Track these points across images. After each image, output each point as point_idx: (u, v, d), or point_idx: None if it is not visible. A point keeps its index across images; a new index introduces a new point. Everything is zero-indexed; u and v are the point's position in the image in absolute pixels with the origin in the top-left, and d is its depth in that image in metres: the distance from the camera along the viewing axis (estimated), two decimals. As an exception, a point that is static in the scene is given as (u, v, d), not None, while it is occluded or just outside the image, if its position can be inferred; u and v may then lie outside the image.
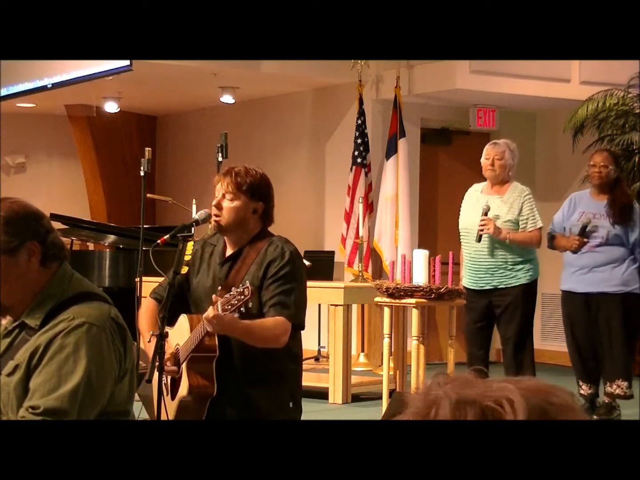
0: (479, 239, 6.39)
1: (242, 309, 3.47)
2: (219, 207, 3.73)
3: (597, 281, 6.55)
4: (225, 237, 3.84)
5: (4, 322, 2.70)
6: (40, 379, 2.50)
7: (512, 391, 1.02)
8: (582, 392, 6.67)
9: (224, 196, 3.73)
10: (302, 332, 3.85)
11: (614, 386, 6.58)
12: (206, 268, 3.84)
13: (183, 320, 3.76)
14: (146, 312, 3.89)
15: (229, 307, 3.44)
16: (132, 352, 2.68)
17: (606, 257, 6.54)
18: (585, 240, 6.56)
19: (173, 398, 3.72)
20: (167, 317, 3.62)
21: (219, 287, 3.67)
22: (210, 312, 3.49)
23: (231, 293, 3.48)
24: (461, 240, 6.65)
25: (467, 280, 6.58)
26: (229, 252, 3.82)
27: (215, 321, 3.47)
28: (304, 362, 9.17)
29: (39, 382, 2.50)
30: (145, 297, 4.07)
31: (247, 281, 3.53)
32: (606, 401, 6.70)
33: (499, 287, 6.45)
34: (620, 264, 6.55)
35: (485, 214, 6.37)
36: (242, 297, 3.43)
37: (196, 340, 3.63)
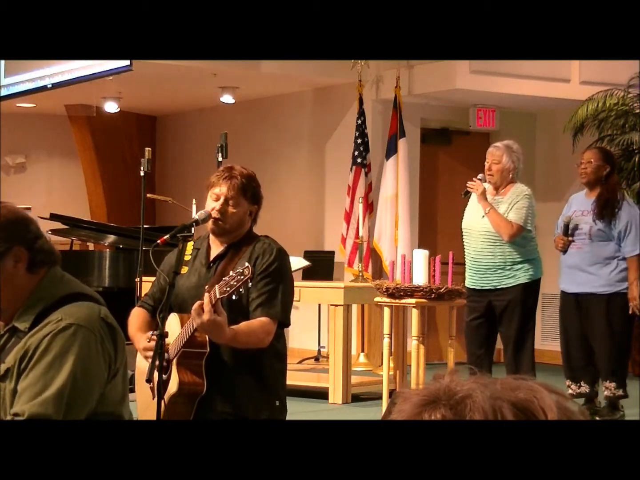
0: (465, 194, 6.61)
1: (241, 289, 3.44)
2: (222, 212, 3.74)
3: (585, 281, 6.53)
4: (214, 238, 3.84)
5: None
6: (26, 382, 2.49)
7: (538, 390, 1.02)
8: (570, 391, 6.66)
9: (226, 201, 3.73)
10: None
11: (603, 388, 6.58)
12: (191, 269, 3.84)
13: (173, 319, 3.75)
14: (136, 319, 3.88)
15: (228, 288, 3.41)
16: (124, 352, 2.66)
17: (593, 255, 6.50)
18: (570, 239, 6.56)
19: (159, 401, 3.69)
20: (167, 317, 3.62)
21: (206, 286, 3.67)
22: (199, 304, 3.46)
23: (230, 275, 3.45)
24: (463, 240, 6.68)
25: (468, 280, 6.63)
26: (215, 251, 3.82)
27: (206, 319, 3.43)
28: (304, 362, 9.16)
29: (24, 385, 2.49)
30: (146, 294, 4.06)
31: (246, 262, 3.53)
32: (592, 402, 6.71)
33: (499, 287, 6.48)
34: (608, 263, 6.50)
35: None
36: (242, 277, 3.41)
37: (186, 335, 3.62)
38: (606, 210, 6.46)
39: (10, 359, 2.55)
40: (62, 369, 2.48)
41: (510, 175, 6.53)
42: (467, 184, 6.58)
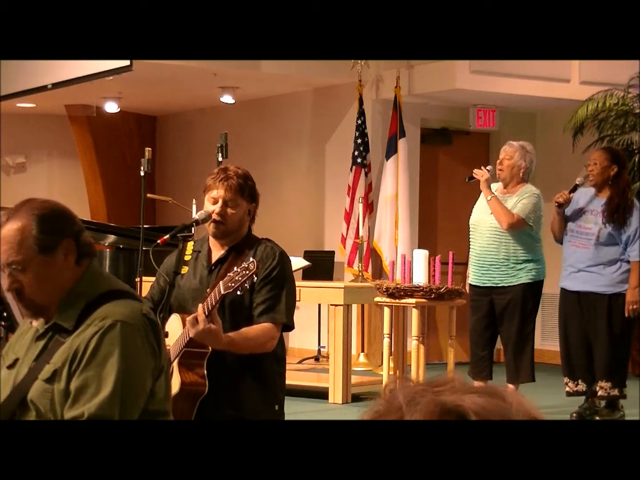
0: (469, 179, 6.71)
1: (246, 284, 3.45)
2: (222, 214, 3.73)
3: (588, 280, 6.54)
4: (214, 241, 3.83)
5: (35, 324, 2.66)
6: (79, 383, 2.48)
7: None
8: (567, 389, 6.64)
9: (225, 203, 3.73)
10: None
11: (597, 387, 6.56)
12: (192, 271, 3.84)
13: (175, 319, 3.75)
14: None
15: (233, 284, 3.42)
16: (166, 349, 2.67)
17: (598, 256, 6.51)
18: (571, 195, 6.58)
19: None
20: (167, 318, 3.62)
21: (208, 289, 3.67)
22: (194, 317, 3.47)
23: (235, 271, 3.46)
24: (469, 236, 6.69)
25: (471, 276, 6.63)
26: (216, 254, 3.82)
27: (200, 328, 3.45)
28: (304, 362, 9.13)
29: (78, 387, 2.48)
30: (145, 297, 4.06)
31: (251, 257, 3.53)
32: (592, 402, 6.69)
33: (500, 284, 6.48)
34: (612, 264, 6.51)
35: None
36: (247, 272, 3.42)
37: (187, 336, 3.62)
38: (617, 214, 6.46)
39: (57, 360, 2.53)
40: (114, 367, 2.48)
41: (521, 174, 6.56)
42: (473, 171, 6.62)
